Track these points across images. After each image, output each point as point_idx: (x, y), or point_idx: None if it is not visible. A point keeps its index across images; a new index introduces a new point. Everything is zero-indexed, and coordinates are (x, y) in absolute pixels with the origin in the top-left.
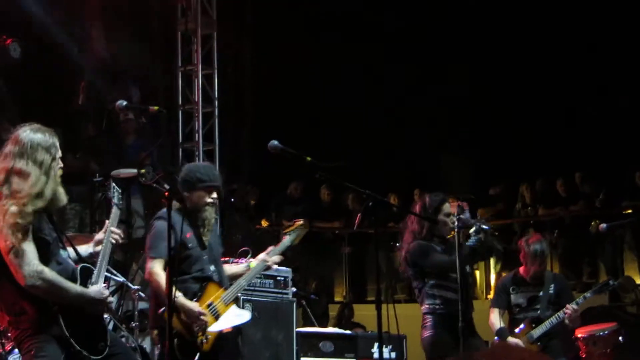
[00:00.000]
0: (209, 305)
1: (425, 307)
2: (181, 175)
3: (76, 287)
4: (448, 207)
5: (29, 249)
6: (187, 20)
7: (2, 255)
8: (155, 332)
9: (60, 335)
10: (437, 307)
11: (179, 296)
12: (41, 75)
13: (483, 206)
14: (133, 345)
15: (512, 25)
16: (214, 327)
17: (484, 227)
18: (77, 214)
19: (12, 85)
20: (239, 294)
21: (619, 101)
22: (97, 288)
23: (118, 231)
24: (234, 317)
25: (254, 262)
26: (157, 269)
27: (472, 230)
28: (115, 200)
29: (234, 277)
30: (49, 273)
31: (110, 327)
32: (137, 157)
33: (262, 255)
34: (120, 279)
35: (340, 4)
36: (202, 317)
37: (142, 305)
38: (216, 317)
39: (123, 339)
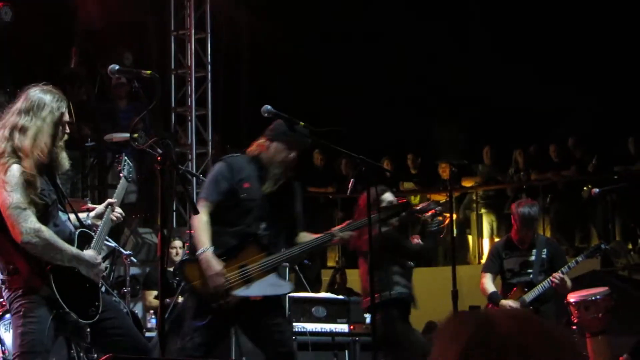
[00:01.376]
0: (241, 267)
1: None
2: (272, 125)
3: (72, 249)
4: (388, 195)
5: (28, 206)
6: None
7: (0, 211)
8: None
9: (50, 296)
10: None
11: (208, 249)
12: (33, 39)
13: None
14: (125, 310)
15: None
16: (241, 292)
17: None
18: (69, 179)
19: (3, 49)
20: (285, 264)
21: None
22: (93, 252)
23: (120, 210)
24: (268, 286)
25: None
26: (202, 214)
27: (429, 215)
28: (124, 172)
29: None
30: (47, 232)
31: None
32: (129, 121)
33: (335, 229)
34: (112, 244)
35: None
36: (218, 277)
37: (133, 270)
38: (247, 281)
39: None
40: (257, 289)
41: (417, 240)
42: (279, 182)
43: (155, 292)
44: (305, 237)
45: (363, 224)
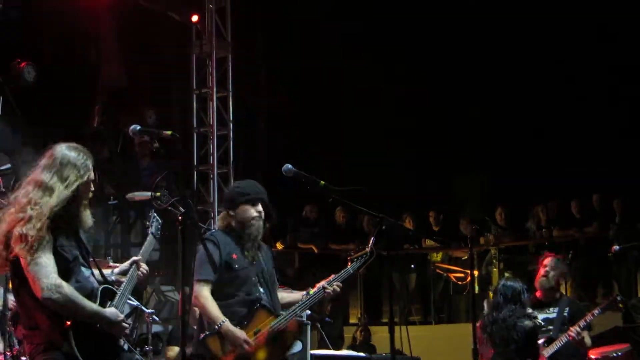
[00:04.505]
0: (256, 333)
1: None
2: (224, 197)
3: (92, 305)
4: None
5: (49, 261)
6: (202, 42)
7: (23, 267)
8: (173, 351)
9: (69, 352)
10: None
11: (225, 321)
12: (56, 98)
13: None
14: None
15: (527, 46)
16: (261, 356)
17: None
18: (92, 237)
19: (27, 108)
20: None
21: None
22: (114, 310)
23: (146, 267)
24: None
25: (312, 290)
26: (205, 292)
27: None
28: (152, 229)
29: (290, 305)
30: (67, 288)
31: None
32: (152, 179)
33: (322, 283)
34: (134, 302)
35: (356, 25)
36: (246, 345)
37: (155, 328)
38: None
39: None
40: None
41: None
42: (258, 241)
43: (176, 348)
44: (284, 295)
45: (346, 274)
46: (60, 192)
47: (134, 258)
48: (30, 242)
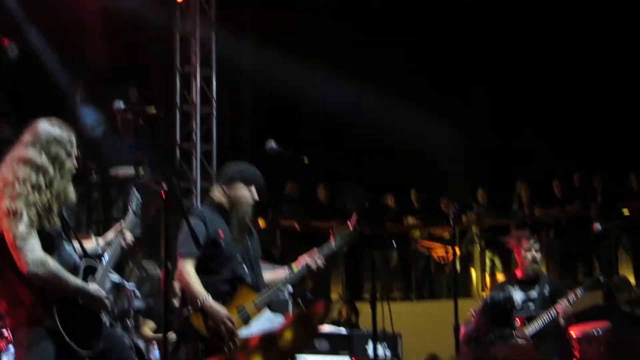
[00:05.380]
0: (238, 308)
1: None
2: (221, 171)
3: (76, 281)
4: None
5: (34, 237)
6: (186, 21)
7: (6, 241)
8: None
9: (52, 327)
10: None
11: (208, 298)
12: (39, 74)
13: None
14: (128, 344)
15: (508, 23)
16: (243, 332)
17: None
18: (74, 213)
19: (9, 85)
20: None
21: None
22: (97, 285)
23: (131, 236)
24: (266, 321)
25: (296, 266)
26: (189, 268)
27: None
28: (133, 207)
29: (274, 282)
30: (52, 263)
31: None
32: (135, 156)
33: (305, 258)
34: (116, 277)
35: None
36: (228, 321)
37: (137, 303)
38: (246, 321)
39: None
40: (257, 326)
41: None
42: (248, 223)
43: (151, 323)
44: (267, 273)
45: (329, 250)
46: (47, 169)
47: (117, 226)
48: (17, 217)
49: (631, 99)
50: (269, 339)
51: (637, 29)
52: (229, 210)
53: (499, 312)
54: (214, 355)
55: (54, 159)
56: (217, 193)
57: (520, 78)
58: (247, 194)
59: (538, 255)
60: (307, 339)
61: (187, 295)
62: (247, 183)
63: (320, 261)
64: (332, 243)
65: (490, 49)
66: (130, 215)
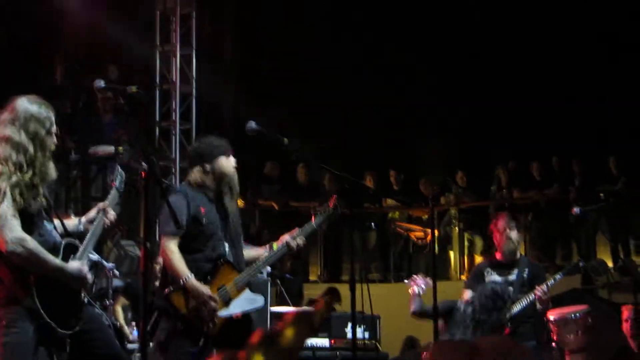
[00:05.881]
0: (219, 289)
1: None
2: (193, 151)
3: (56, 260)
4: None
5: (14, 215)
6: None
7: None
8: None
9: (32, 306)
10: None
11: (190, 277)
12: (18, 51)
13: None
14: (107, 323)
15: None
16: (223, 312)
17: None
18: (53, 191)
19: None
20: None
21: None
22: (77, 265)
23: (114, 213)
24: (245, 301)
25: (276, 245)
26: (172, 246)
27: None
28: (117, 183)
29: (253, 260)
30: (31, 242)
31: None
32: (114, 134)
33: (286, 237)
34: (95, 256)
35: None
36: (210, 301)
37: (116, 282)
38: (226, 301)
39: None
40: (237, 306)
41: None
42: (237, 190)
43: (123, 299)
44: (247, 251)
45: (310, 229)
46: (27, 147)
47: (101, 204)
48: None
49: (611, 82)
50: (270, 338)
51: None
52: (218, 186)
53: (492, 302)
54: (192, 334)
55: (34, 137)
56: (198, 174)
57: (502, 60)
58: (230, 164)
59: (517, 238)
60: (308, 336)
61: (170, 274)
62: (226, 154)
63: (300, 240)
64: (313, 222)
65: (471, 29)
66: (113, 192)
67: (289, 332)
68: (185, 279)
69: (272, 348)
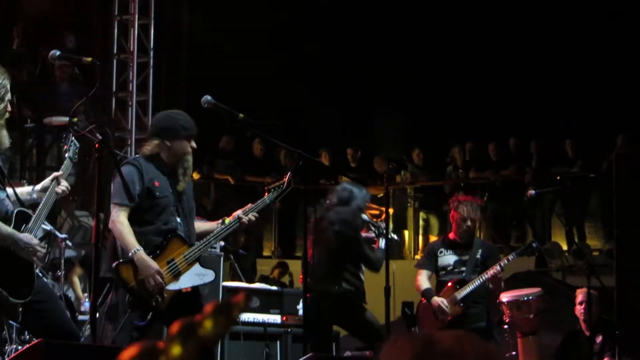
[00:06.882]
0: (169, 262)
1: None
2: (158, 122)
3: (6, 228)
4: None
5: None
6: None
7: None
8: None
9: None
10: None
11: (139, 250)
12: None
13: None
14: (59, 293)
15: None
16: (172, 286)
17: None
18: (7, 160)
19: None
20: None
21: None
22: (28, 234)
23: (66, 184)
24: (195, 276)
25: (228, 219)
26: (121, 218)
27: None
28: (70, 153)
29: (205, 235)
30: None
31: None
32: (70, 104)
33: (238, 212)
34: (48, 227)
35: None
36: (157, 275)
37: (68, 253)
38: (176, 275)
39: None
40: (187, 281)
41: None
42: (190, 173)
43: (79, 269)
44: (199, 224)
45: (262, 204)
46: None
47: (55, 174)
48: None
49: (570, 64)
50: (188, 328)
51: None
52: (172, 162)
53: None
54: (140, 307)
55: None
56: (155, 147)
57: (462, 41)
58: (188, 147)
59: (471, 217)
60: (227, 328)
61: (119, 245)
62: (189, 138)
63: (252, 216)
64: (266, 198)
65: (433, 7)
66: (66, 162)
67: (208, 323)
68: (134, 251)
69: (190, 338)
